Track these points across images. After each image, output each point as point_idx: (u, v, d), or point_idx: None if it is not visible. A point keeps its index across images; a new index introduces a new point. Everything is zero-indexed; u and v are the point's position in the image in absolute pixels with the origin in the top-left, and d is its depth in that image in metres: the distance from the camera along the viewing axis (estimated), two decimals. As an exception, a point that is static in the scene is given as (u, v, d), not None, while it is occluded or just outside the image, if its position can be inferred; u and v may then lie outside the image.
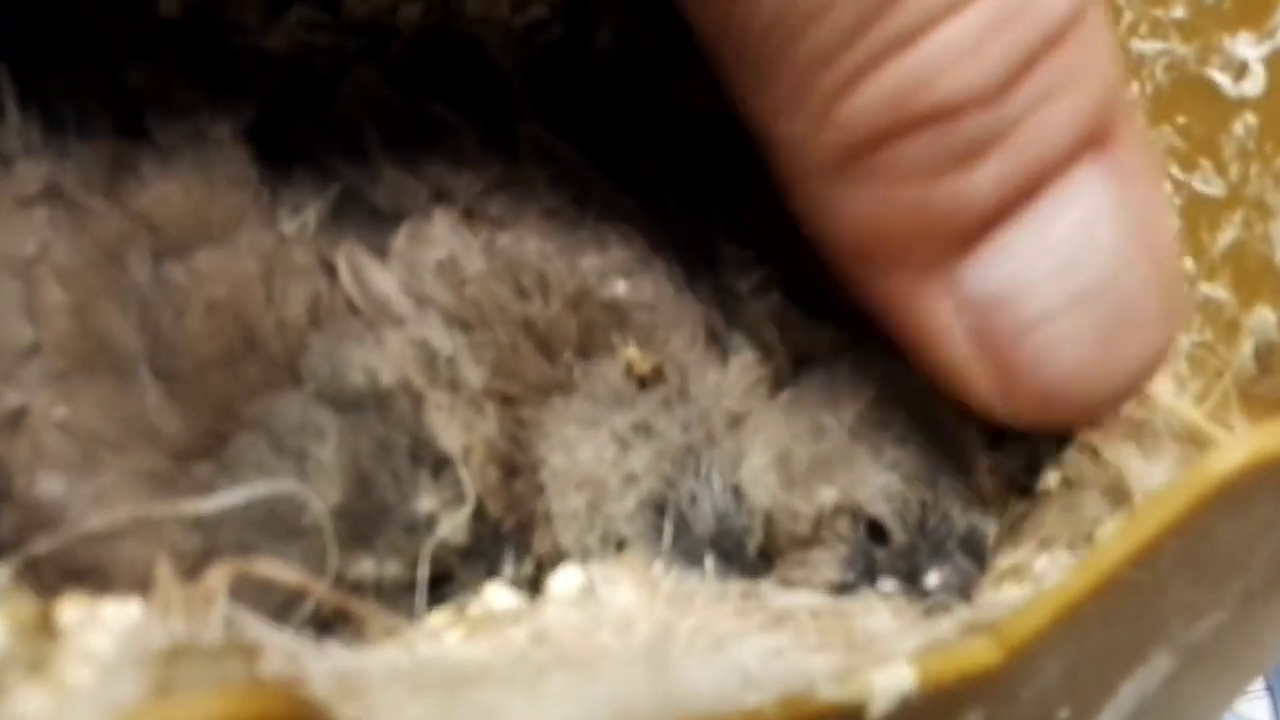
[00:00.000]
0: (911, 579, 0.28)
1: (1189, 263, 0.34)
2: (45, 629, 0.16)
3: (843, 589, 0.28)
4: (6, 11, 0.27)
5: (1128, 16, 0.35)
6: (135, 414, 0.24)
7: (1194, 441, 0.34)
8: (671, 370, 0.28)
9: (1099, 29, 0.24)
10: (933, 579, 0.28)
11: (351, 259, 0.26)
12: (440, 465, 0.27)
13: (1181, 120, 0.34)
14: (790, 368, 0.30)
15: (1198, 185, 0.34)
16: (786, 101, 0.24)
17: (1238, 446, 0.22)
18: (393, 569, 0.26)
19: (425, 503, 0.26)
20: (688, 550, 0.27)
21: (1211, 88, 0.34)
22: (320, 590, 0.22)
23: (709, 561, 0.27)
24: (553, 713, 0.21)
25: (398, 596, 0.26)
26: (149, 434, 0.24)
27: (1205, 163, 0.34)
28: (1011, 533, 0.33)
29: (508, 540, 0.28)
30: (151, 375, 0.24)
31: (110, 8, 0.29)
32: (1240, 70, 0.33)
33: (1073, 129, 0.24)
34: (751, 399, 0.29)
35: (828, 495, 0.28)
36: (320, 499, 0.24)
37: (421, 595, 0.24)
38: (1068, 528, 0.33)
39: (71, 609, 0.17)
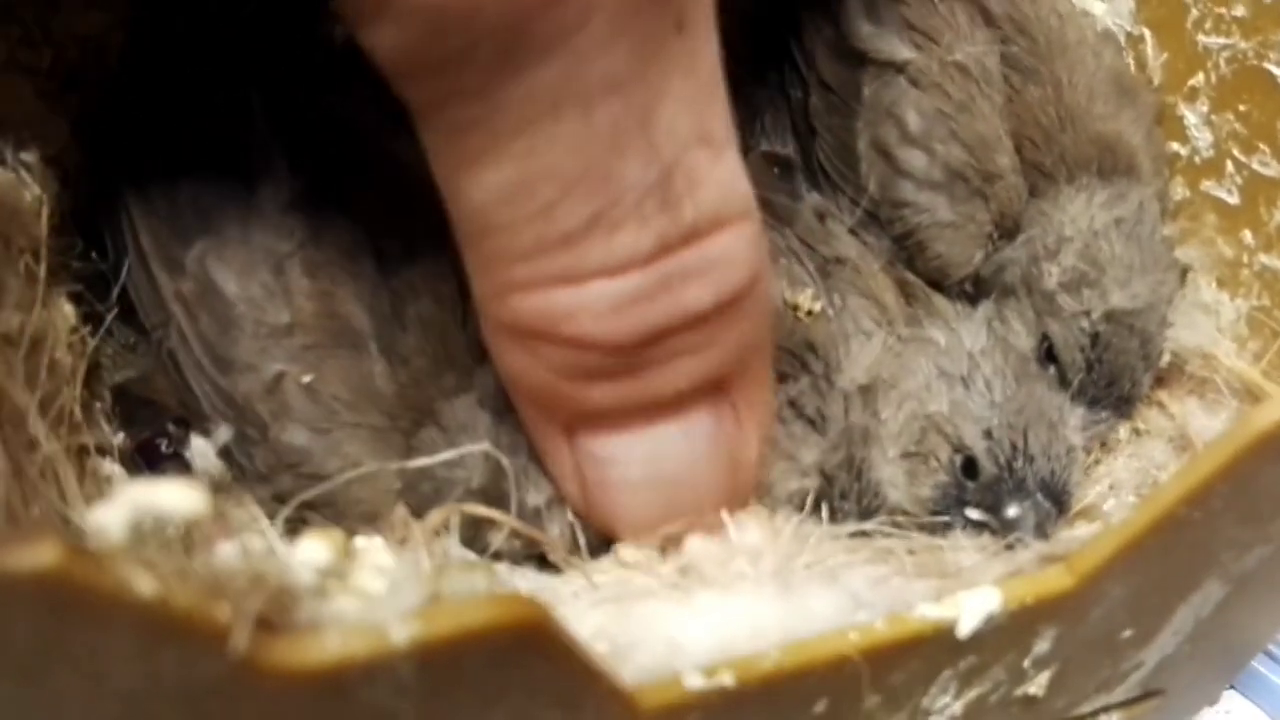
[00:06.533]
0: (994, 510, 0.33)
1: (1248, 235, 0.38)
2: (346, 552, 0.21)
3: (936, 517, 0.33)
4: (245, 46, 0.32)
5: (1194, 13, 0.38)
6: (364, 380, 0.29)
7: (1251, 396, 0.37)
8: (815, 357, 0.33)
9: (745, 310, 0.28)
10: (1012, 511, 0.33)
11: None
12: None
13: (1242, 108, 0.37)
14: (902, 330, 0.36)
15: (1256, 166, 0.37)
16: (474, 268, 0.27)
17: (1281, 402, 0.26)
18: (515, 545, 0.30)
19: (533, 498, 0.30)
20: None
21: (1269, 78, 0.36)
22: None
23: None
24: (700, 621, 0.26)
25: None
26: (373, 397, 0.29)
27: (1263, 146, 0.37)
28: (1085, 478, 0.37)
29: None
30: (378, 350, 0.29)
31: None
32: (1296, 63, 0.36)
33: (692, 380, 0.28)
34: (877, 367, 0.34)
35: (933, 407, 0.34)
36: (467, 481, 0.30)
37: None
38: (1135, 473, 0.37)
39: (360, 538, 0.22)
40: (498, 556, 0.28)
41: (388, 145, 0.32)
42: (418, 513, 0.26)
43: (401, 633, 0.18)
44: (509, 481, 0.29)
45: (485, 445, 0.29)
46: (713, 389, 0.29)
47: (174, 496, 0.16)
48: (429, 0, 0.23)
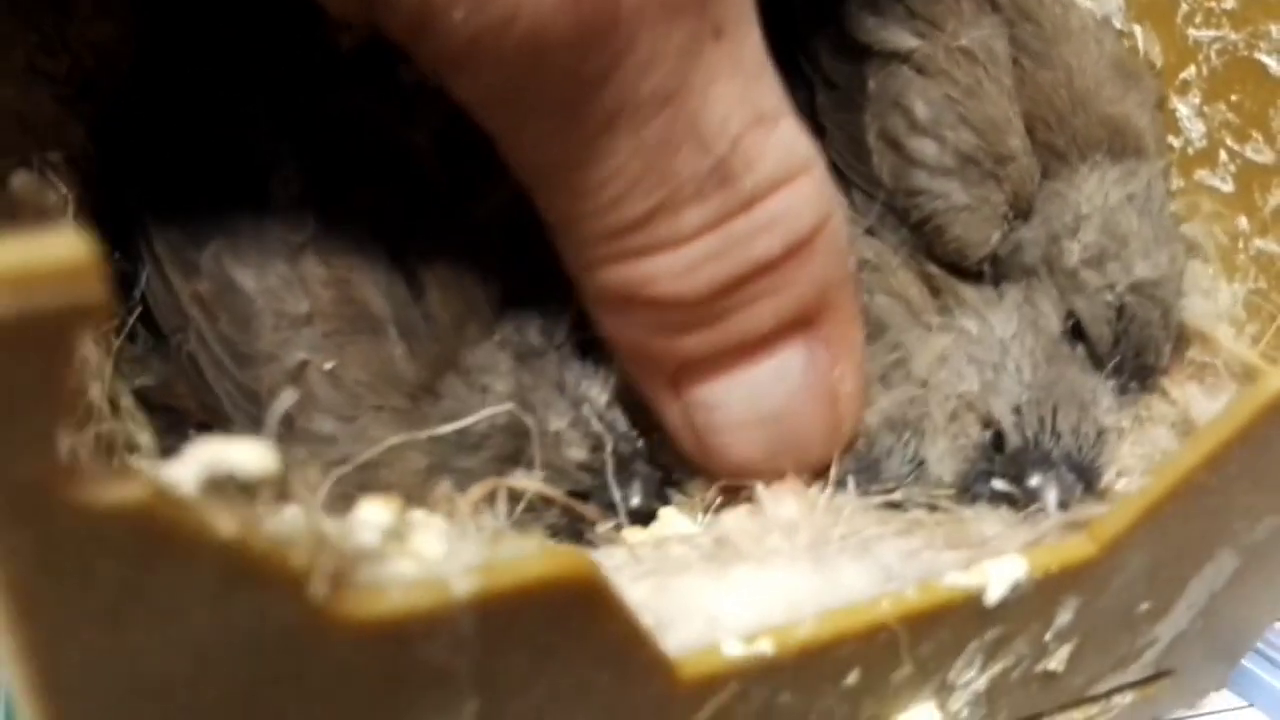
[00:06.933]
0: (1018, 480, 0.33)
1: (1243, 221, 0.38)
2: (402, 518, 0.21)
3: (964, 487, 0.34)
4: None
5: (1184, 7, 0.39)
6: (385, 364, 0.30)
7: (1250, 378, 0.38)
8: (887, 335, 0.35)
9: (817, 250, 0.30)
10: (1035, 480, 0.33)
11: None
12: (577, 402, 0.32)
13: (1234, 98, 0.38)
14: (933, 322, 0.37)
15: (1250, 154, 0.38)
16: (563, 251, 0.30)
17: (1294, 368, 0.27)
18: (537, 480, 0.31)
19: (554, 423, 0.31)
20: (869, 482, 0.32)
21: (1260, 68, 0.37)
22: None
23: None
24: (737, 596, 0.26)
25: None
26: (394, 380, 0.30)
27: (1256, 134, 0.38)
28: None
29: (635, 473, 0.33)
30: (397, 334, 0.30)
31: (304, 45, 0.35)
32: (1286, 52, 0.37)
33: (775, 319, 0.31)
34: (937, 365, 0.35)
35: (964, 387, 0.35)
36: (492, 419, 0.30)
37: (621, 504, 0.30)
38: (1141, 459, 0.38)
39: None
40: (530, 508, 0.29)
41: (396, 134, 0.32)
42: (446, 463, 0.26)
43: (463, 585, 0.18)
44: (530, 417, 0.30)
45: (508, 406, 0.30)
46: (800, 326, 0.31)
47: (246, 454, 0.16)
48: (504, 56, 0.25)
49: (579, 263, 0.30)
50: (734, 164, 0.28)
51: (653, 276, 0.29)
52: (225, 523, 0.15)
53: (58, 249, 0.12)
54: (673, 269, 0.29)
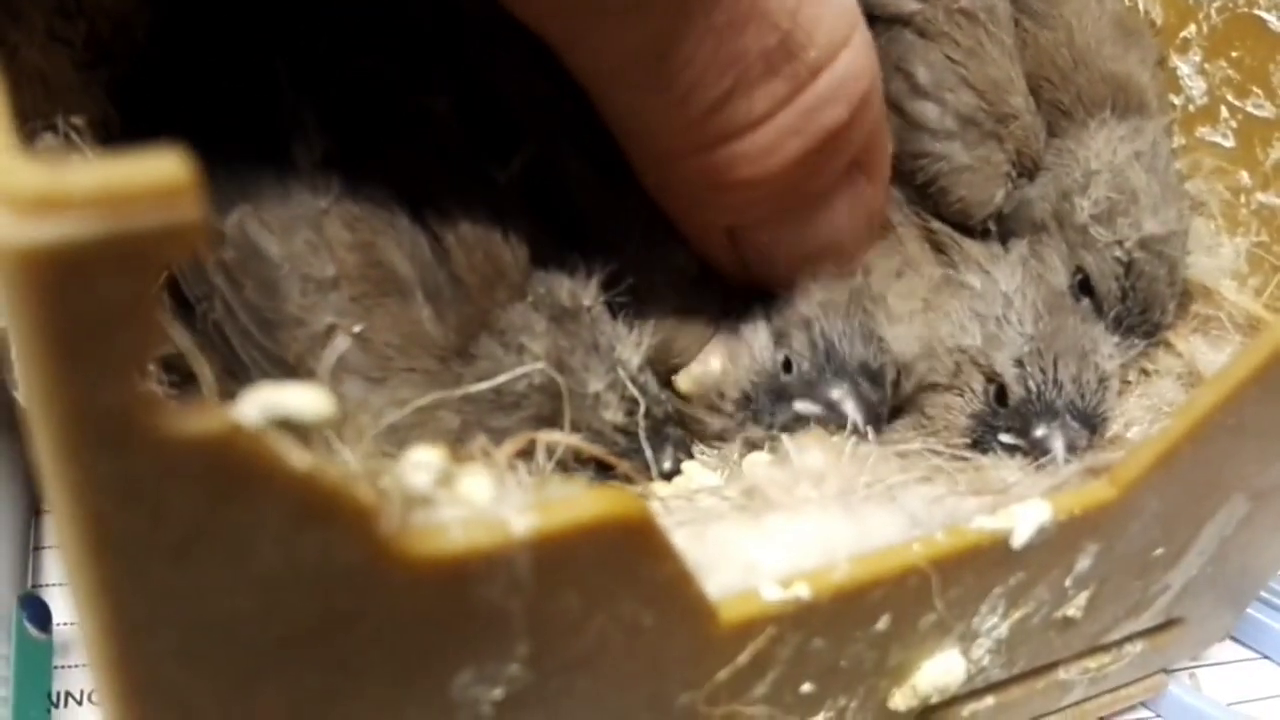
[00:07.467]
0: (1024, 433, 0.34)
1: (1245, 176, 0.39)
2: (450, 465, 0.21)
3: (972, 442, 0.34)
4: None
5: (1184, -34, 0.40)
6: (413, 327, 0.29)
7: (1255, 330, 0.38)
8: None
9: (872, 102, 0.32)
10: (1040, 431, 0.34)
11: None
12: (612, 365, 0.32)
13: (1235, 54, 0.39)
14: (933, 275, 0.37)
15: (1251, 109, 0.38)
16: (642, 156, 0.32)
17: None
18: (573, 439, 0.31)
19: (593, 385, 0.31)
20: (836, 371, 0.33)
21: (1260, 24, 0.38)
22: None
23: (863, 385, 0.33)
24: (772, 543, 0.26)
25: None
26: (423, 342, 0.29)
27: (1257, 90, 0.38)
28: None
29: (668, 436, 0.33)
30: (424, 297, 0.30)
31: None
32: (1286, 7, 0.37)
33: (837, 171, 0.32)
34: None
35: (967, 341, 0.35)
36: (529, 379, 0.30)
37: (654, 466, 0.30)
38: (1148, 410, 0.38)
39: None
40: (563, 468, 0.29)
41: (415, 98, 0.32)
42: (480, 422, 0.26)
43: (521, 525, 0.18)
44: (565, 378, 0.30)
45: (541, 364, 0.30)
46: (851, 169, 0.33)
47: (302, 398, 0.16)
48: None
49: (657, 162, 0.31)
50: (798, 36, 0.29)
51: (732, 162, 0.30)
52: (298, 456, 0.15)
53: (155, 169, 0.11)
54: (751, 152, 0.30)
